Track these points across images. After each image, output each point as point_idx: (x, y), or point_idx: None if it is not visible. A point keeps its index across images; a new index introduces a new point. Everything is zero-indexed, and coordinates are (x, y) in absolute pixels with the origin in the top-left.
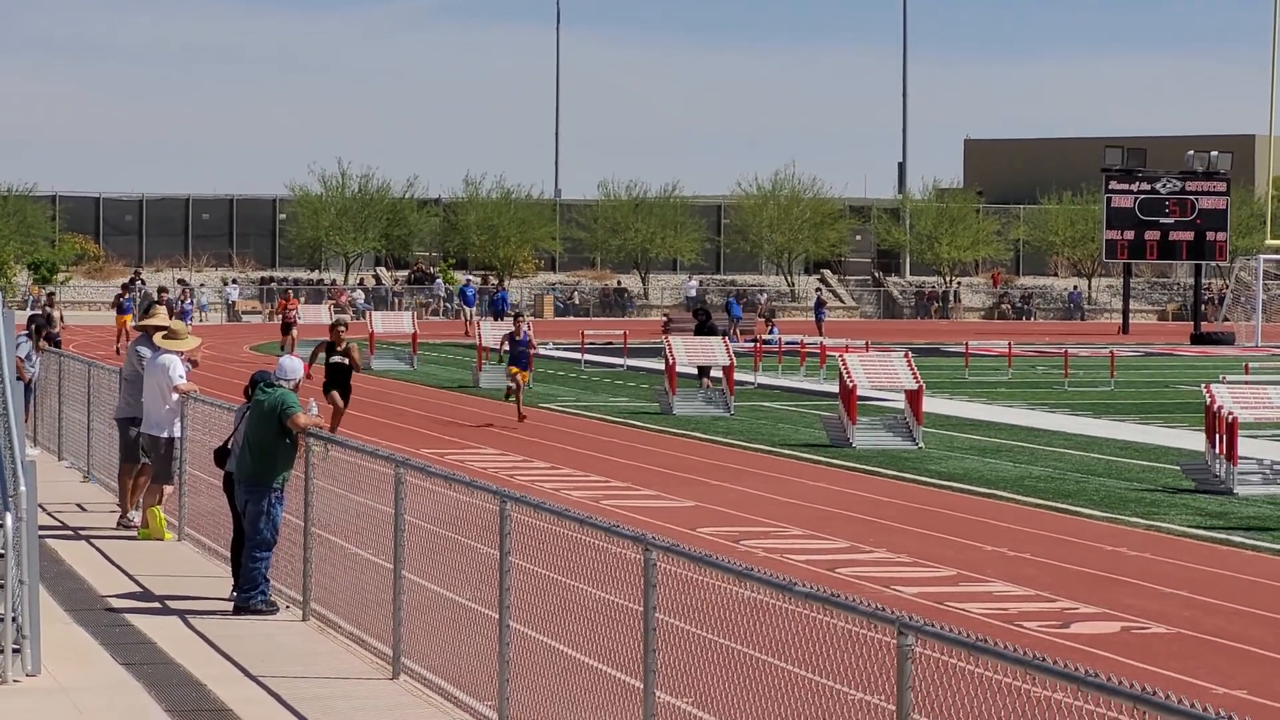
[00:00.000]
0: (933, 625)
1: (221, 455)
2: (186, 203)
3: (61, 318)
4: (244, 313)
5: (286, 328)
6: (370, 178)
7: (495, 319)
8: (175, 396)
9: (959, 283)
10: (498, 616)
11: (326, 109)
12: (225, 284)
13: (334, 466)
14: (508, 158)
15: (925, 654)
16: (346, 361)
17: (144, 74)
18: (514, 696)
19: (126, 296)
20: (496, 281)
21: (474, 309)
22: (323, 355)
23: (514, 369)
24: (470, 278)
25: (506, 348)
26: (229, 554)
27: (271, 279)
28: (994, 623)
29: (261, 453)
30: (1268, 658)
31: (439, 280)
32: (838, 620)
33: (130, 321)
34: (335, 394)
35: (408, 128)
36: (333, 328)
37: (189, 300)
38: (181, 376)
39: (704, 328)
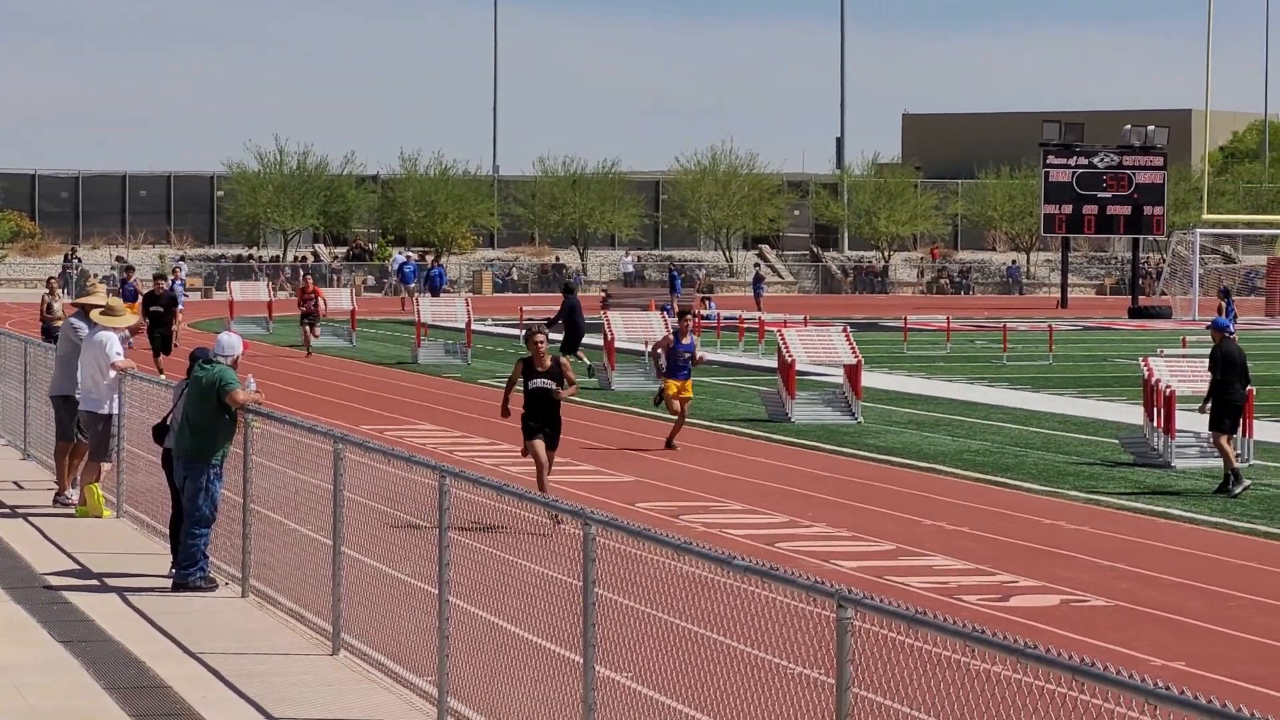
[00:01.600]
0: (872, 598)
1: (160, 432)
2: (123, 180)
3: None
4: (191, 290)
5: (308, 320)
6: (308, 154)
7: (433, 295)
8: (113, 373)
9: (895, 257)
10: (437, 592)
11: (264, 86)
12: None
13: (273, 443)
14: (445, 134)
15: (865, 627)
16: (552, 387)
17: (81, 50)
18: (454, 672)
19: (130, 281)
20: (433, 258)
21: (414, 285)
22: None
23: (671, 383)
24: (409, 254)
25: (661, 357)
26: (168, 531)
27: (223, 256)
28: (933, 596)
29: (200, 429)
30: (1206, 629)
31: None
32: (777, 594)
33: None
34: (539, 444)
35: (345, 104)
36: (530, 339)
37: (177, 282)
38: (119, 353)
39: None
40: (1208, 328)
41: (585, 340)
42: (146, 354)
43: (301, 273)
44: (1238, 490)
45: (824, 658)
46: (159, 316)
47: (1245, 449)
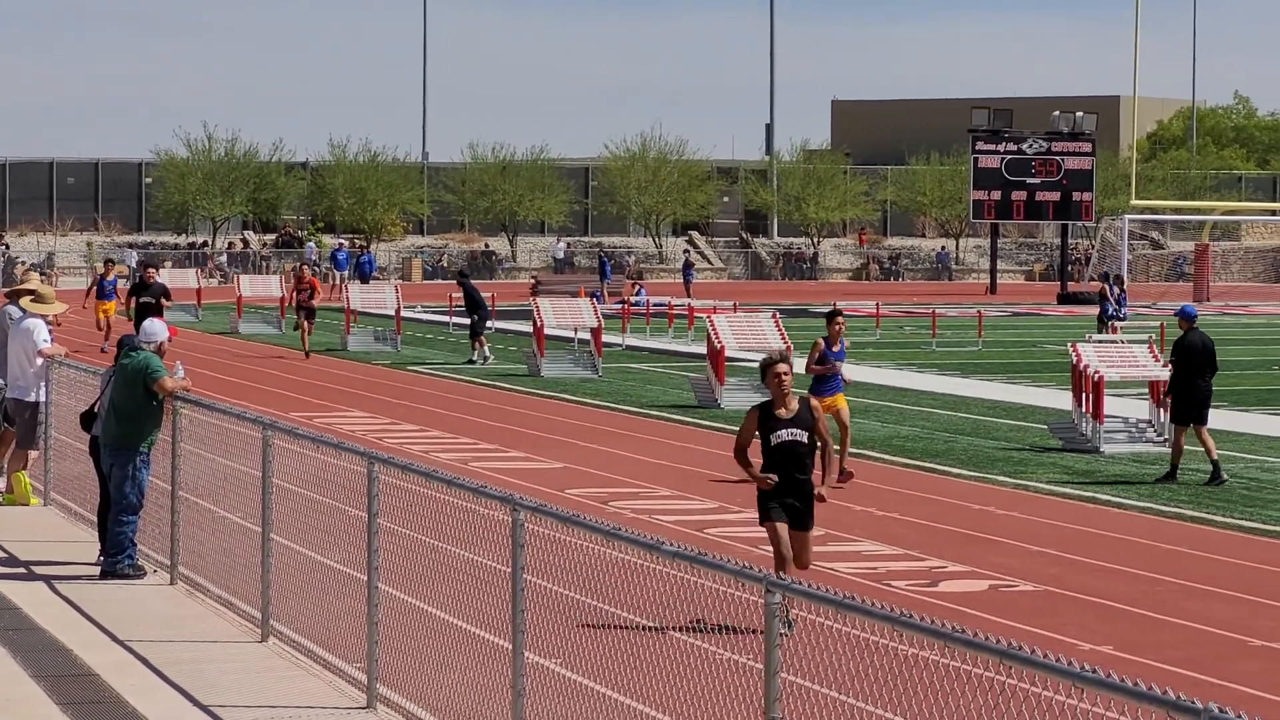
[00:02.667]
0: (801, 584)
1: (88, 419)
2: (51, 166)
3: None
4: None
5: (304, 313)
6: (236, 142)
7: (362, 282)
8: (40, 360)
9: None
10: (366, 579)
11: (192, 73)
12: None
13: (201, 430)
14: (375, 120)
15: (794, 613)
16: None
17: (6, 37)
18: (383, 658)
19: (110, 279)
20: (363, 244)
21: (345, 273)
22: None
23: (822, 400)
24: (342, 241)
25: (817, 363)
26: (95, 519)
27: (151, 244)
28: (862, 582)
29: (127, 417)
30: (1134, 614)
31: (311, 244)
32: (705, 580)
33: (115, 309)
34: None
35: (274, 91)
36: (770, 371)
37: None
38: (47, 340)
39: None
40: (1175, 315)
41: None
42: (81, 340)
43: (299, 263)
44: (1166, 481)
45: (753, 643)
46: (147, 307)
47: (1172, 434)
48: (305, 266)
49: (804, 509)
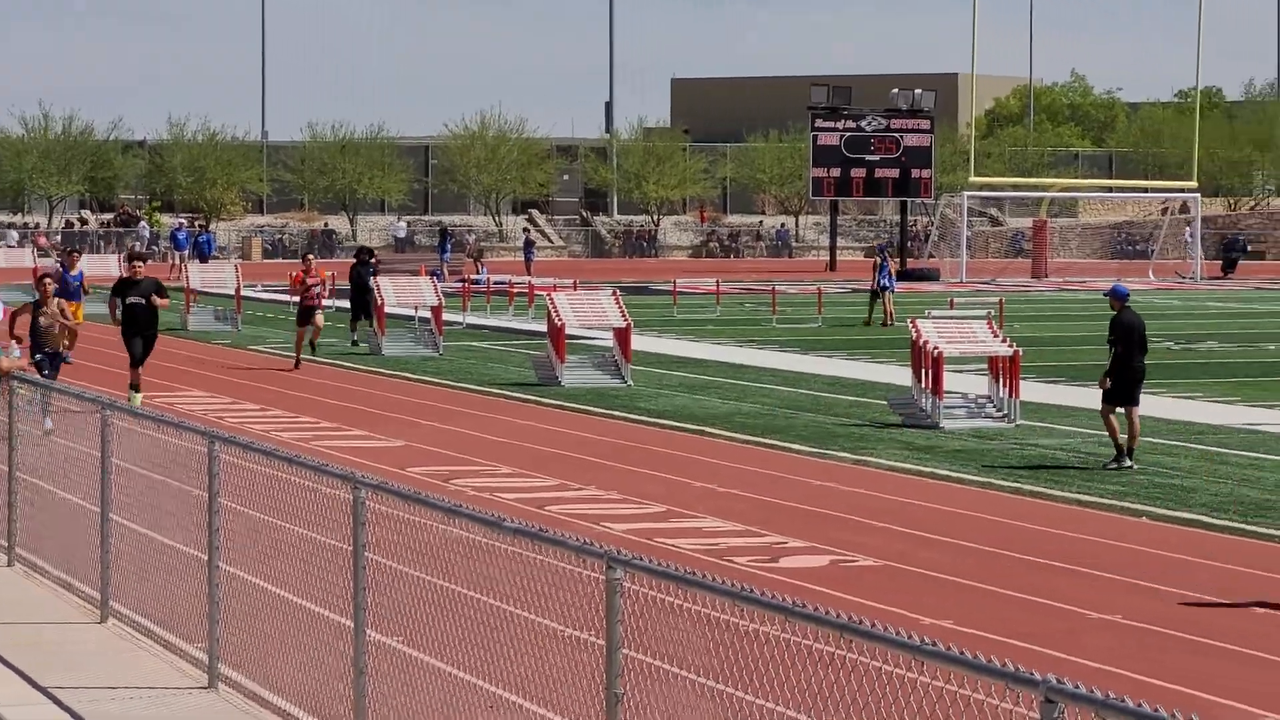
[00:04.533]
0: (641, 559)
1: None
2: None
3: None
4: None
5: (306, 315)
6: (73, 120)
7: (201, 261)
8: None
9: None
10: (207, 559)
11: (27, 51)
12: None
13: (39, 410)
14: (214, 99)
15: (635, 589)
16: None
17: None
18: (224, 638)
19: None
20: (202, 224)
21: (185, 252)
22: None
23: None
24: (181, 220)
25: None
26: None
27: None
28: (704, 558)
29: None
30: (974, 588)
31: (144, 223)
32: (547, 556)
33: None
34: None
35: (111, 69)
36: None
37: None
38: None
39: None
40: (1105, 294)
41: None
42: None
43: (303, 254)
44: (1115, 466)
45: (595, 619)
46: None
47: (1012, 410)
48: (310, 257)
49: None
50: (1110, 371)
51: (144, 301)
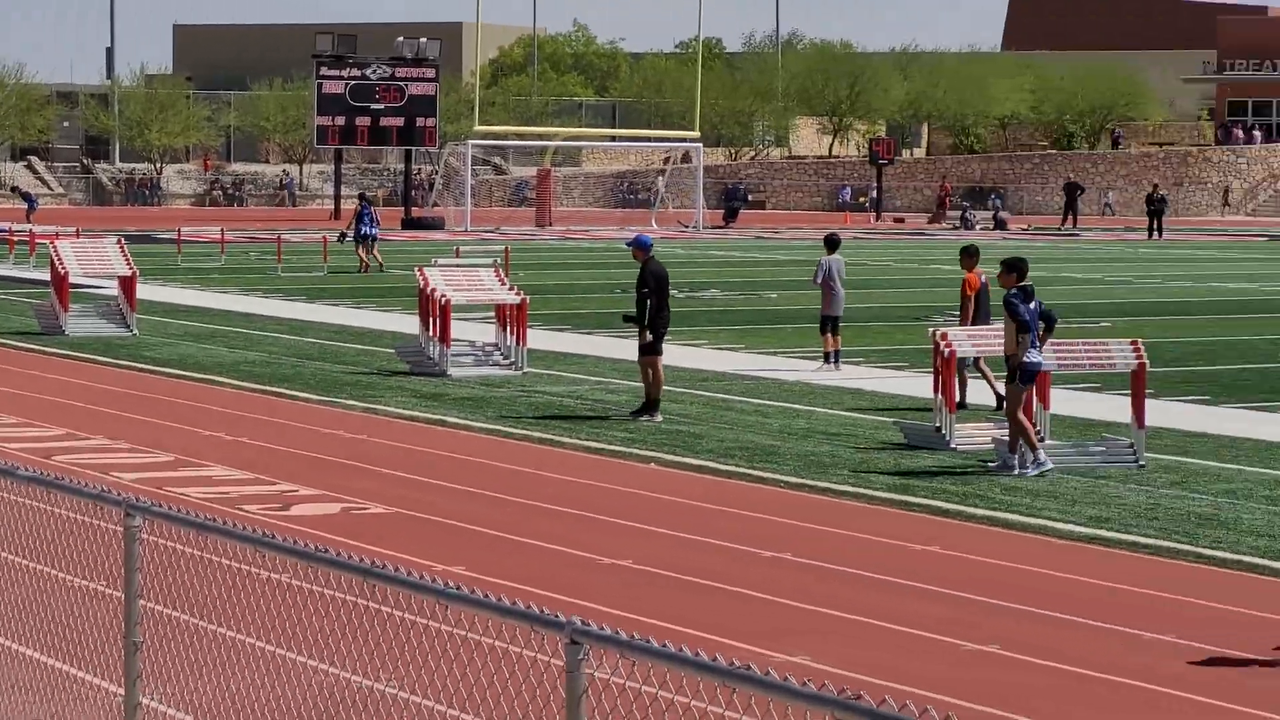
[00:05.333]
0: (160, 506)
1: None
2: None
3: None
4: None
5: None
6: None
7: None
8: None
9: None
10: None
11: None
12: None
13: None
14: None
15: (151, 539)
16: None
17: None
18: None
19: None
20: None
21: None
22: None
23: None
24: None
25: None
26: None
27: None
28: (216, 506)
29: None
30: (485, 534)
31: None
32: (61, 508)
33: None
34: None
35: None
36: None
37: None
38: None
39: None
40: (628, 244)
41: None
42: None
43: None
44: (648, 418)
45: (112, 569)
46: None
47: (519, 358)
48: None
49: None
50: (645, 321)
51: None
